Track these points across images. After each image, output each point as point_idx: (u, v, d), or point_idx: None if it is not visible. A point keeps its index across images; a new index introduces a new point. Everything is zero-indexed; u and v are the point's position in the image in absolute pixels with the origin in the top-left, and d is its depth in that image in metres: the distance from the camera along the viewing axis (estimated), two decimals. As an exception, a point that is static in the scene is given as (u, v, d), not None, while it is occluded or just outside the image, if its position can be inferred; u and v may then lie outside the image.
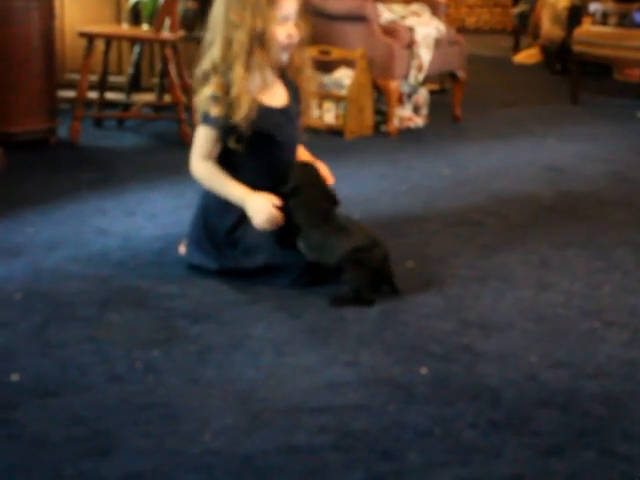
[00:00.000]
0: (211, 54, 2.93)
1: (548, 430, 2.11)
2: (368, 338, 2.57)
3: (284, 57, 2.98)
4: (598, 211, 3.92)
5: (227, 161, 2.98)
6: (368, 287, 2.81)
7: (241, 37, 2.86)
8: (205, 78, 2.95)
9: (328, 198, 2.96)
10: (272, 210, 2.88)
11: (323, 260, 2.85)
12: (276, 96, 3.02)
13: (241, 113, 2.86)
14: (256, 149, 2.95)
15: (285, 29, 2.92)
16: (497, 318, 2.74)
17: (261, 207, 2.89)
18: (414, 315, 2.74)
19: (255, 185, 2.94)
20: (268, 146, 2.97)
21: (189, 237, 3.07)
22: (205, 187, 3.00)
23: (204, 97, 2.92)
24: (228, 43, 2.89)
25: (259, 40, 2.87)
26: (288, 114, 3.03)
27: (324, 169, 3.12)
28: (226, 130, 2.91)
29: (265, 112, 2.95)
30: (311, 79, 3.13)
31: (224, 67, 2.90)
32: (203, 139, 2.96)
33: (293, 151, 3.10)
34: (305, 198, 2.90)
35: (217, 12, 2.93)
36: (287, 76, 3.06)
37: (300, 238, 2.88)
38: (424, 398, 2.24)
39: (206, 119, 2.93)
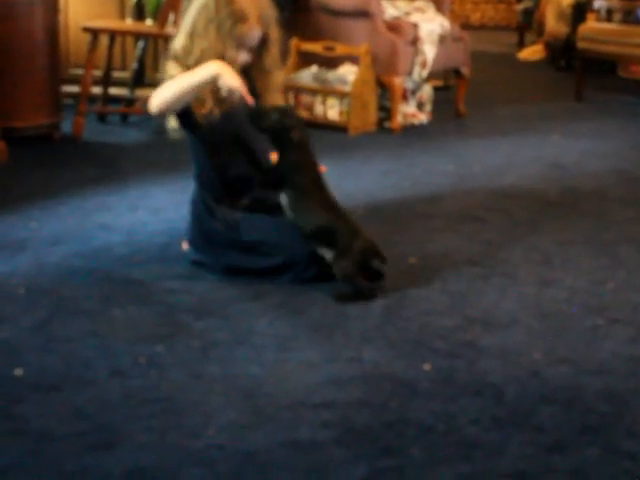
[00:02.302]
0: (177, 39, 2.95)
1: (551, 427, 2.11)
2: (371, 334, 2.57)
3: (242, 59, 2.97)
4: (602, 208, 3.92)
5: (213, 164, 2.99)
6: (356, 276, 2.80)
7: (202, 45, 2.89)
8: (172, 57, 2.97)
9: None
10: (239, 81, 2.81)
11: (299, 225, 2.85)
12: None
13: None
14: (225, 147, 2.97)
15: (244, 55, 2.95)
16: (500, 314, 2.74)
17: (229, 72, 2.81)
18: (417, 311, 2.74)
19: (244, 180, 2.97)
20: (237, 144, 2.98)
21: (187, 236, 3.08)
22: (170, 104, 2.85)
23: (168, 75, 2.93)
24: (190, 40, 2.91)
25: (217, 56, 2.88)
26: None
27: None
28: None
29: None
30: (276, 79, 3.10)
31: (183, 57, 2.92)
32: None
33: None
34: (305, 158, 2.88)
35: (192, 9, 2.95)
36: (250, 73, 3.03)
37: (286, 192, 2.85)
38: (427, 394, 2.24)
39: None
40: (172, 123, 3.06)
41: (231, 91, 2.79)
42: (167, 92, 2.83)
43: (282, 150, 2.87)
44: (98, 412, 2.12)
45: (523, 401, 2.22)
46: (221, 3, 2.88)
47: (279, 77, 3.11)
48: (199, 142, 2.99)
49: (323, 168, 3.13)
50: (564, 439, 2.06)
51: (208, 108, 2.89)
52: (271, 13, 3.00)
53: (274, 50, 3.04)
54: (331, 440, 2.02)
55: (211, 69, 2.79)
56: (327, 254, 2.84)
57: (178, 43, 2.94)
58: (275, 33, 3.02)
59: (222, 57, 2.87)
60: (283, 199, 2.86)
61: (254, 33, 2.93)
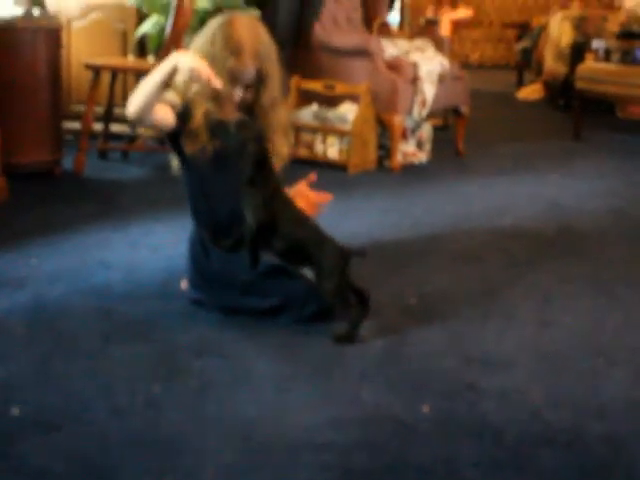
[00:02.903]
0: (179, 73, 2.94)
1: (551, 469, 2.10)
2: (370, 374, 2.56)
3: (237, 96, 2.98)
4: (601, 247, 3.92)
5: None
6: (344, 297, 2.79)
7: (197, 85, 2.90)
8: (173, 88, 2.96)
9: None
10: (200, 62, 2.78)
11: (246, 215, 2.81)
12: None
13: (195, 117, 2.88)
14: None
15: (239, 91, 2.95)
16: (500, 355, 2.74)
17: (189, 55, 2.79)
18: (416, 351, 2.73)
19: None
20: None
21: (186, 275, 3.08)
22: (142, 104, 2.80)
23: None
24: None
25: (212, 91, 2.87)
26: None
27: (320, 197, 3.19)
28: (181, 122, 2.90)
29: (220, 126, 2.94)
30: (281, 118, 3.08)
31: (184, 90, 2.92)
32: None
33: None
34: (262, 172, 2.83)
35: (194, 44, 2.98)
36: (254, 112, 3.04)
37: (246, 212, 2.83)
38: (427, 436, 2.23)
39: None
40: (175, 161, 3.08)
41: (193, 71, 2.74)
42: (137, 95, 2.81)
43: (240, 164, 2.84)
44: (95, 452, 2.10)
45: (523, 443, 2.21)
46: (218, 37, 2.89)
47: (281, 116, 3.08)
48: (187, 171, 3.00)
49: (313, 177, 3.18)
50: (564, 483, 2.05)
51: (201, 143, 2.90)
52: (269, 50, 2.98)
53: (272, 87, 3.00)
54: (330, 482, 2.01)
55: (170, 59, 2.78)
56: (307, 272, 2.83)
57: (179, 77, 2.95)
58: (274, 70, 3.00)
59: (217, 93, 2.88)
60: (248, 218, 2.83)
61: (248, 69, 2.91)
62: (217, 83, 2.77)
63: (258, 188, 2.81)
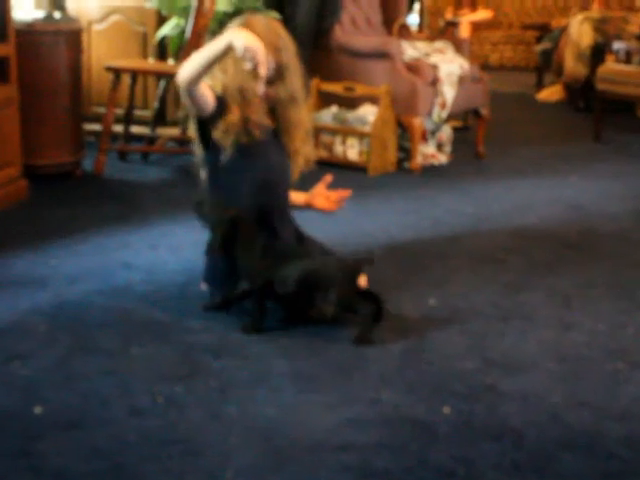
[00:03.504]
0: None
1: (572, 472, 2.09)
2: (390, 376, 2.56)
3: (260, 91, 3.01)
4: (622, 250, 3.90)
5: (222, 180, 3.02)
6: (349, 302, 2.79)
7: (223, 79, 2.95)
8: None
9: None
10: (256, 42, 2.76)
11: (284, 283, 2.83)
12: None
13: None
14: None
15: (261, 86, 2.98)
16: (520, 358, 2.72)
17: (245, 34, 2.76)
18: (436, 354, 2.73)
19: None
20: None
21: (204, 275, 3.09)
22: (194, 74, 2.79)
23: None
24: (212, 76, 2.94)
25: (238, 89, 2.93)
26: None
27: (339, 194, 3.22)
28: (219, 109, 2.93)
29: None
30: (302, 119, 3.10)
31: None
32: None
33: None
34: (242, 231, 2.88)
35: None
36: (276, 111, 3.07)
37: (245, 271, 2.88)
38: (447, 438, 2.23)
39: None
40: (198, 147, 3.09)
41: (247, 50, 2.71)
42: (190, 64, 2.80)
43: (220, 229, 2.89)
44: (116, 452, 2.11)
45: (543, 446, 2.21)
46: None
47: (302, 115, 3.09)
48: (210, 160, 3.02)
49: (329, 178, 3.24)
50: (585, 485, 2.04)
51: (229, 139, 2.91)
52: (287, 44, 3.01)
53: (292, 81, 3.02)
54: (350, 483, 2.01)
55: (225, 36, 2.77)
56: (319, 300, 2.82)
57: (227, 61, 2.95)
58: (294, 64, 3.01)
59: (242, 90, 2.90)
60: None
61: (267, 63, 2.93)
62: (262, 70, 2.76)
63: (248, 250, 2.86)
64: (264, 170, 3.02)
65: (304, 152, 3.12)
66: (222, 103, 2.92)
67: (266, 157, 3.03)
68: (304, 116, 3.10)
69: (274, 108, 3.04)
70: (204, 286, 3.12)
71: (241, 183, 2.99)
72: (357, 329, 2.78)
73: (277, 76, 2.99)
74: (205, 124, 2.96)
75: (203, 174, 3.12)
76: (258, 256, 2.84)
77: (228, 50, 2.75)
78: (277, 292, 2.82)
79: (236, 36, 2.72)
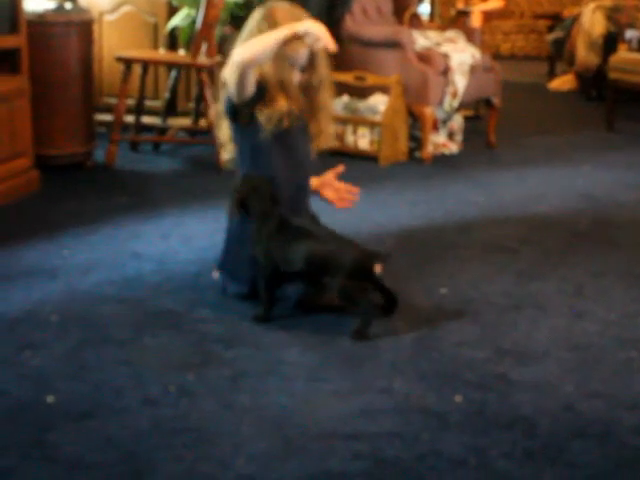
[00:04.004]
0: (229, 69, 2.95)
1: (584, 461, 2.09)
2: (402, 365, 2.56)
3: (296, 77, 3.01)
4: (634, 239, 3.88)
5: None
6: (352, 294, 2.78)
7: (259, 70, 2.91)
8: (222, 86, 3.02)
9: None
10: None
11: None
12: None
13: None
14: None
15: (297, 75, 2.99)
16: (532, 347, 2.72)
17: (314, 23, 2.81)
18: (448, 342, 2.72)
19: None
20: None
21: (219, 263, 3.09)
22: (256, 54, 2.80)
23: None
24: None
25: (277, 80, 2.93)
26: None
27: (348, 188, 3.25)
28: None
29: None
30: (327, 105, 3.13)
31: None
32: None
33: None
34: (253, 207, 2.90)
35: (239, 39, 2.99)
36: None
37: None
38: (459, 426, 2.22)
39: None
40: (227, 154, 3.09)
41: (317, 39, 2.77)
42: (253, 45, 2.81)
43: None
44: (128, 441, 2.12)
45: (556, 435, 2.20)
46: (263, 27, 2.90)
47: (328, 99, 3.12)
48: (246, 140, 3.01)
49: (341, 168, 3.25)
50: (598, 474, 2.04)
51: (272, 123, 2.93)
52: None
53: (322, 65, 3.04)
54: (362, 472, 2.01)
55: (299, 24, 2.79)
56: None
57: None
58: (321, 50, 3.00)
59: (281, 81, 2.91)
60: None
61: (301, 51, 2.94)
62: (332, 46, 2.80)
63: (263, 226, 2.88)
64: (294, 157, 3.02)
65: (327, 133, 3.15)
66: (261, 89, 2.92)
67: (296, 145, 3.04)
68: (330, 99, 3.13)
69: (304, 93, 3.05)
70: (216, 275, 3.12)
71: (271, 166, 2.98)
72: (357, 323, 2.77)
73: (309, 63, 3.00)
74: (239, 107, 2.95)
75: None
76: (273, 229, 2.84)
77: (293, 38, 2.78)
78: (285, 278, 2.85)
79: (311, 25, 2.77)
